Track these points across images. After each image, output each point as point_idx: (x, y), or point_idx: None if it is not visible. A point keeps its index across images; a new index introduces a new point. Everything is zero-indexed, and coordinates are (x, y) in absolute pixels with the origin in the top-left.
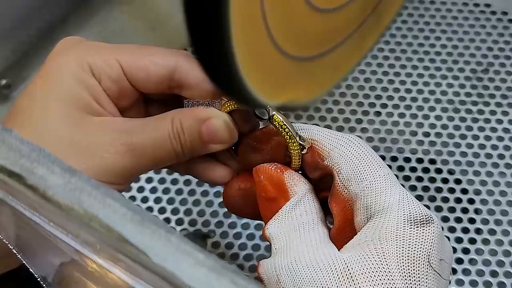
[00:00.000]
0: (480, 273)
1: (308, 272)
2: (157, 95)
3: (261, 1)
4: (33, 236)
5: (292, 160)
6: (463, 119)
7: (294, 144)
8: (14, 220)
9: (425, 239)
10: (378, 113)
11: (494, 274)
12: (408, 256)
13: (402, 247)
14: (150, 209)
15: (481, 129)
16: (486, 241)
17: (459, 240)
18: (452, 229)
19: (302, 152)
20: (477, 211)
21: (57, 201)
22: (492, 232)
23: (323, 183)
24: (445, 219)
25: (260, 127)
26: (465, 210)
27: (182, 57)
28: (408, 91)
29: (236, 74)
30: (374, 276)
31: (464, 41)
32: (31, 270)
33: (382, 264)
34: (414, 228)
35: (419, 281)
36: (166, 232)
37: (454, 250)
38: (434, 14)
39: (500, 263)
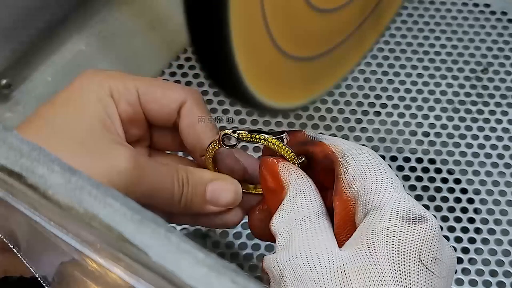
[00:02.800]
0: (479, 272)
1: (308, 268)
2: (164, 129)
3: (261, 1)
4: (34, 235)
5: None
6: (462, 119)
7: (279, 145)
8: (15, 220)
9: (415, 235)
10: (377, 113)
11: (493, 273)
12: (398, 251)
13: (392, 242)
14: None
15: (481, 129)
16: (485, 241)
17: (458, 239)
18: (451, 229)
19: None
20: (476, 211)
21: (57, 200)
22: (491, 231)
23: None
24: (444, 219)
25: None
26: (464, 210)
27: (191, 97)
28: (408, 91)
29: (236, 73)
30: (365, 270)
31: (464, 41)
32: (32, 270)
33: (372, 259)
34: (405, 224)
35: (409, 276)
36: (166, 231)
37: (454, 249)
38: (434, 14)
39: (500, 263)
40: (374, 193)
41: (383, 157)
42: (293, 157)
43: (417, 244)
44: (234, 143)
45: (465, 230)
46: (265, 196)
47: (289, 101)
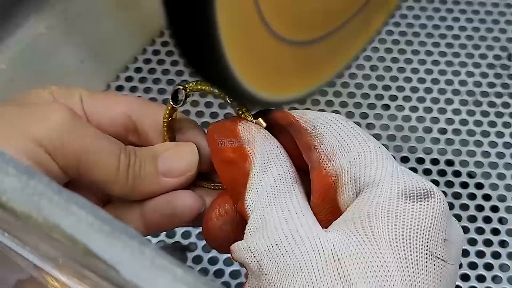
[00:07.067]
0: None
1: (293, 257)
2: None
3: None
4: None
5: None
6: (485, 114)
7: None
8: None
9: (422, 216)
10: (386, 107)
11: None
12: (402, 236)
13: (395, 225)
14: None
15: (507, 125)
16: None
17: (480, 254)
18: (472, 242)
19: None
20: (501, 221)
21: (12, 208)
22: None
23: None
24: (464, 230)
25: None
26: (487, 220)
27: (137, 101)
28: (422, 80)
29: (222, 60)
30: (363, 259)
31: (487, 23)
32: None
33: (371, 245)
34: (409, 203)
35: (417, 266)
36: (139, 244)
37: (475, 265)
38: None
39: None
40: (365, 166)
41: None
42: (246, 113)
43: (424, 226)
44: (182, 98)
45: (488, 243)
46: (220, 171)
47: (284, 92)
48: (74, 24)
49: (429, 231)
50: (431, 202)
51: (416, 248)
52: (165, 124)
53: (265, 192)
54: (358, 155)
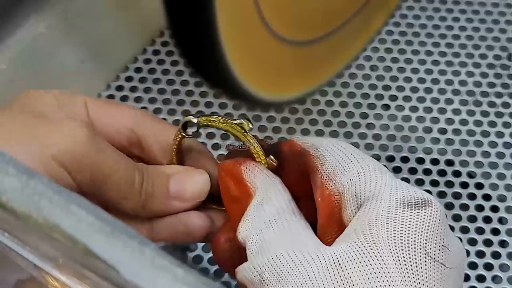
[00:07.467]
0: None
1: (294, 266)
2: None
3: None
4: None
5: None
6: (485, 114)
7: (243, 134)
8: None
9: (420, 222)
10: (386, 107)
11: None
12: (401, 241)
13: (394, 231)
14: None
15: (507, 125)
16: None
17: (480, 254)
18: (472, 242)
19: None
20: (501, 221)
21: (12, 208)
22: None
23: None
24: (464, 230)
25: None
26: (487, 220)
27: (140, 114)
28: (422, 80)
29: (222, 60)
30: (366, 265)
31: (487, 23)
32: None
33: (372, 251)
34: (407, 211)
35: (416, 269)
36: (139, 244)
37: (475, 265)
38: None
39: None
40: (365, 182)
41: (392, 157)
42: (258, 150)
43: (422, 232)
44: (195, 130)
45: (488, 243)
46: (228, 210)
47: (283, 92)
48: (74, 24)
49: (427, 235)
50: (428, 210)
51: (415, 250)
52: (174, 151)
53: (261, 220)
54: (358, 173)
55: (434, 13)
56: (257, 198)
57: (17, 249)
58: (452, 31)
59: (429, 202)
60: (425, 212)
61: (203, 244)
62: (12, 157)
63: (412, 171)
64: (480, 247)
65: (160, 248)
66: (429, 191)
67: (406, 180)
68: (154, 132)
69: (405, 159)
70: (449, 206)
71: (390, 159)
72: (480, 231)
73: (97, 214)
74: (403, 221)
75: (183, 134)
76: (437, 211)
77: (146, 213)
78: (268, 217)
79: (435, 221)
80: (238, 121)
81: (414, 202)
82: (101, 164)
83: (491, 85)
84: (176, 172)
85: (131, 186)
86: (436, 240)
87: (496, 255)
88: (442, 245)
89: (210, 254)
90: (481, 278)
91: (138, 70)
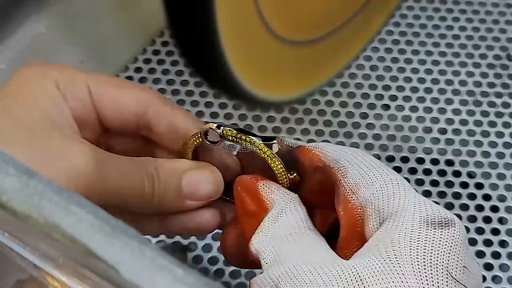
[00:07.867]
0: None
1: (312, 278)
2: (121, 133)
3: None
4: None
5: (273, 167)
6: (485, 114)
7: (268, 154)
8: None
9: (443, 242)
10: (386, 107)
11: None
12: (424, 260)
13: (417, 250)
14: None
15: (507, 125)
16: None
17: (480, 254)
18: (472, 242)
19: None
20: (501, 221)
21: (12, 208)
22: None
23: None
24: None
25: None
26: (487, 220)
27: (155, 96)
28: (422, 80)
29: (222, 60)
30: (388, 281)
31: (486, 23)
32: None
33: (395, 269)
34: (431, 230)
35: (438, 287)
36: (139, 244)
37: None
38: None
39: None
40: (388, 198)
41: (392, 157)
42: (282, 171)
43: (445, 252)
44: (216, 140)
45: (488, 243)
46: (242, 221)
47: (283, 92)
48: (74, 24)
49: (449, 255)
50: (451, 230)
51: (437, 270)
52: (189, 152)
53: (276, 233)
54: (381, 187)
55: (434, 13)
56: (273, 212)
57: (17, 249)
58: (452, 31)
59: (452, 222)
60: (448, 232)
61: (203, 244)
62: (12, 157)
63: (412, 171)
64: (480, 247)
65: (160, 248)
66: (429, 191)
67: (406, 180)
68: (163, 116)
69: (405, 159)
70: (449, 206)
71: (390, 159)
72: (480, 231)
73: (97, 214)
74: (426, 240)
75: (205, 141)
76: (459, 231)
77: (159, 212)
78: (284, 231)
79: (457, 241)
80: (265, 143)
81: (438, 221)
82: (109, 181)
83: (491, 85)
84: (189, 169)
85: (141, 196)
86: (458, 261)
87: (496, 255)
88: (464, 266)
89: (210, 254)
90: None
91: (138, 70)
